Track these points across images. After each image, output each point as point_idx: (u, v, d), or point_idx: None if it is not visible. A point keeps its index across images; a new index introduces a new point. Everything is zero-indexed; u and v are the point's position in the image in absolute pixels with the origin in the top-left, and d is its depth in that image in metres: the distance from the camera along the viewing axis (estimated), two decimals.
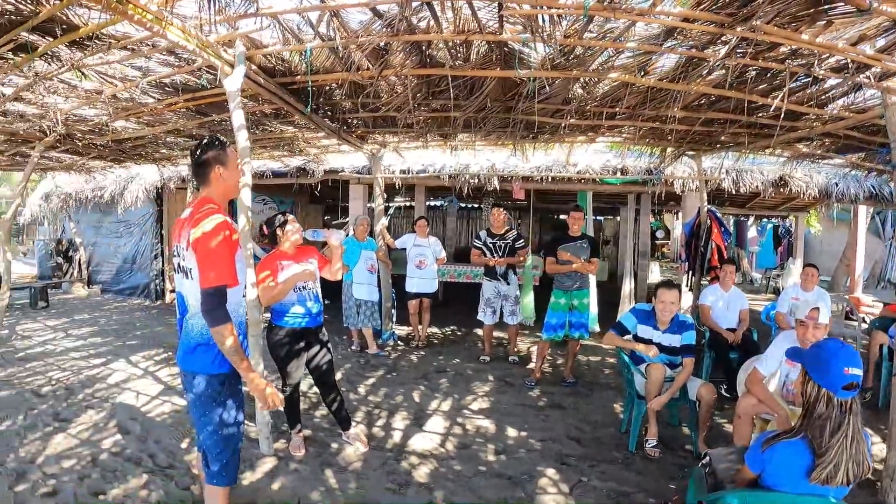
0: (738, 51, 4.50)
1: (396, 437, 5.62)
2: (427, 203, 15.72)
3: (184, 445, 5.30)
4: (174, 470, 4.80)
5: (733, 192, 10.14)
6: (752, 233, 17.72)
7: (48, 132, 8.12)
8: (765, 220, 19.48)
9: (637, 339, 5.61)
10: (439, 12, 4.23)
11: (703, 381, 5.43)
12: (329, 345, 5.30)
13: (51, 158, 10.64)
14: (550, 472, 4.94)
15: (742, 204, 15.05)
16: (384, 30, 4.50)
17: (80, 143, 9.06)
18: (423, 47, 4.95)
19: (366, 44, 4.65)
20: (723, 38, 4.39)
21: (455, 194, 14.23)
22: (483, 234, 8.33)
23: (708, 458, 3.76)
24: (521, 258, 8.20)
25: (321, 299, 5.18)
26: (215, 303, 2.89)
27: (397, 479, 4.72)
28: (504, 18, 4.22)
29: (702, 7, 3.93)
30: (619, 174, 10.08)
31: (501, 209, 8.27)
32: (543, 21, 4.22)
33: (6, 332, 9.93)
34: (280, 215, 5.14)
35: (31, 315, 12.29)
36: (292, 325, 5.00)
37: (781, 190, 10.43)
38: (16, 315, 12.09)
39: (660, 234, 23.28)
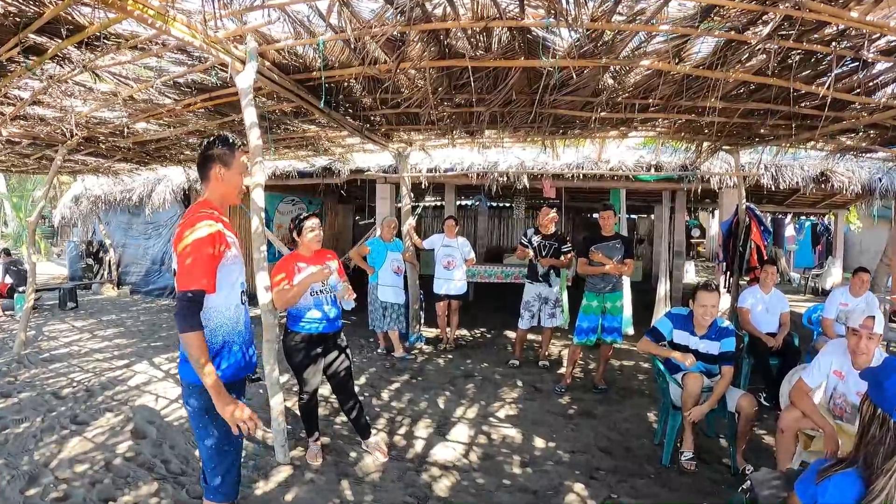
0: (780, 32, 4.21)
1: (418, 446, 5.41)
2: (457, 202, 15.54)
3: (198, 452, 5.13)
4: (186, 477, 4.68)
5: (772, 188, 9.78)
6: (789, 231, 17.28)
7: (70, 135, 8.08)
8: (803, 217, 19.02)
9: (673, 345, 5.29)
10: None
11: (743, 391, 5.11)
12: (348, 350, 5.09)
13: (76, 161, 10.71)
14: (578, 486, 4.69)
15: (780, 201, 14.66)
16: (398, 18, 4.29)
17: (102, 146, 9.06)
18: (441, 37, 4.73)
19: (379, 34, 4.44)
20: (764, 19, 4.13)
21: (484, 193, 14.04)
22: (531, 232, 8.07)
23: (749, 483, 3.49)
24: (566, 261, 7.90)
25: (339, 303, 4.94)
26: (186, 308, 2.71)
27: (416, 493, 4.52)
28: (525, 2, 3.98)
29: None
30: (653, 171, 9.77)
31: (552, 209, 8.00)
32: (567, 3, 3.96)
33: (33, 333, 9.99)
34: (303, 215, 4.92)
35: (60, 316, 12.36)
36: (309, 330, 4.79)
37: (823, 186, 10.06)
38: (45, 315, 12.20)
39: (695, 232, 22.88)
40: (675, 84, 5.56)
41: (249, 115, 4.60)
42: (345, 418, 5.64)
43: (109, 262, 16.09)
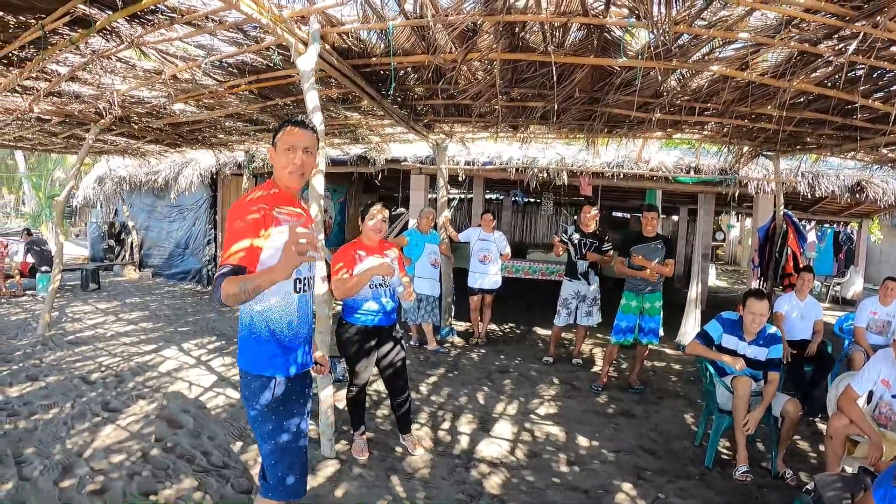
0: (850, 46, 4.15)
1: (463, 442, 5.35)
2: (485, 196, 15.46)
3: (240, 444, 5.08)
4: (230, 470, 4.57)
5: (808, 195, 9.71)
6: (810, 237, 17.24)
7: (104, 114, 8.00)
8: (825, 225, 18.95)
9: (720, 349, 5.28)
10: None
11: (788, 396, 5.06)
12: (403, 342, 5.00)
13: (105, 141, 10.65)
14: (627, 486, 4.64)
15: (805, 208, 14.57)
16: (477, 8, 4.19)
17: (135, 126, 8.98)
18: (517, 29, 4.64)
19: (456, 23, 4.34)
20: (839, 34, 4.09)
21: (521, 188, 13.97)
22: (570, 229, 8.00)
23: (813, 484, 3.46)
24: (609, 259, 7.80)
25: (397, 296, 4.84)
26: (218, 282, 2.45)
27: (468, 490, 4.45)
28: (612, 0, 3.90)
29: None
30: (692, 173, 9.67)
31: (594, 207, 7.91)
32: (657, 5, 3.89)
33: (56, 314, 9.90)
34: (370, 202, 4.82)
35: (82, 297, 12.35)
36: (364, 322, 4.69)
37: (857, 195, 9.97)
38: (67, 296, 12.17)
39: (719, 235, 22.81)
40: (738, 90, 5.51)
41: (311, 99, 4.50)
42: (386, 412, 5.59)
43: (132, 244, 16.08)
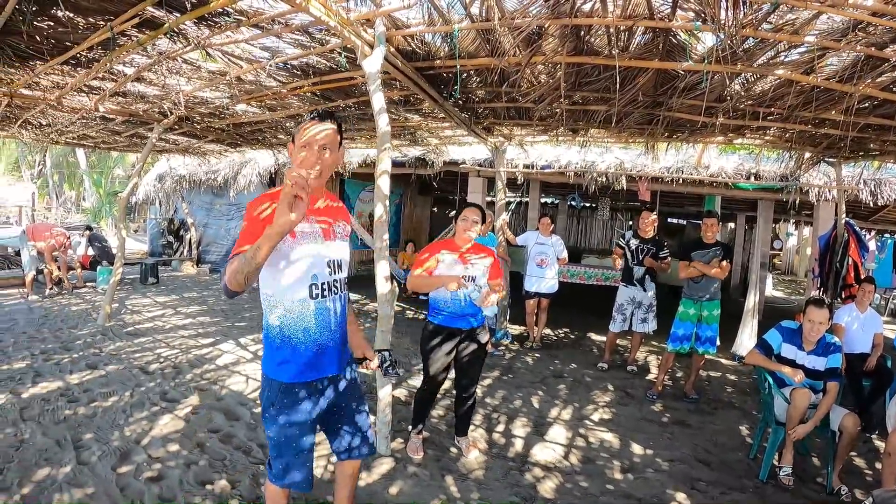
0: None
1: (518, 445, 5.34)
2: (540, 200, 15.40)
3: None
4: None
5: (870, 204, 9.48)
6: (870, 247, 16.79)
7: (168, 114, 8.17)
8: (886, 235, 18.45)
9: (779, 358, 5.20)
10: None
11: (847, 410, 4.94)
12: (487, 347, 4.92)
13: (167, 140, 10.87)
14: (681, 496, 4.58)
15: (865, 217, 14.21)
16: (543, 11, 4.19)
17: (198, 126, 9.16)
18: (582, 33, 4.63)
19: (522, 26, 4.36)
20: None
21: (580, 192, 13.90)
22: (628, 234, 7.99)
23: (871, 500, 3.38)
24: (665, 266, 7.73)
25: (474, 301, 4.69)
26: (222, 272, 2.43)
27: (521, 493, 4.44)
28: (678, 4, 3.87)
29: (895, 2, 3.56)
30: (752, 179, 9.52)
31: (653, 213, 7.85)
32: (726, 8, 3.85)
33: (116, 306, 10.13)
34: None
35: (141, 290, 12.66)
36: (443, 322, 4.70)
37: None
38: (126, 290, 12.46)
39: (777, 244, 22.42)
40: (802, 95, 5.42)
41: (378, 100, 4.56)
42: (442, 412, 5.61)
43: (190, 240, 16.44)
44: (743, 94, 5.63)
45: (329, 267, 2.82)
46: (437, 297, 4.68)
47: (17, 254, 13.27)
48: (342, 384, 3.03)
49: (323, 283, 2.80)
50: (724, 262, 6.72)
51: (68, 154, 30.91)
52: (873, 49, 4.27)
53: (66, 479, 4.15)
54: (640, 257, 7.68)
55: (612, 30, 4.48)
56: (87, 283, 12.77)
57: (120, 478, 4.24)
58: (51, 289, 11.57)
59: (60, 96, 7.39)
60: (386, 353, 3.40)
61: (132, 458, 4.56)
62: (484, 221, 4.79)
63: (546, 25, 4.43)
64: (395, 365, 3.43)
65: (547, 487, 4.57)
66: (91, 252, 13.00)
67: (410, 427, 5.10)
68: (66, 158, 31.89)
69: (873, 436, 6.13)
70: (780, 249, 24.67)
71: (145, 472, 4.35)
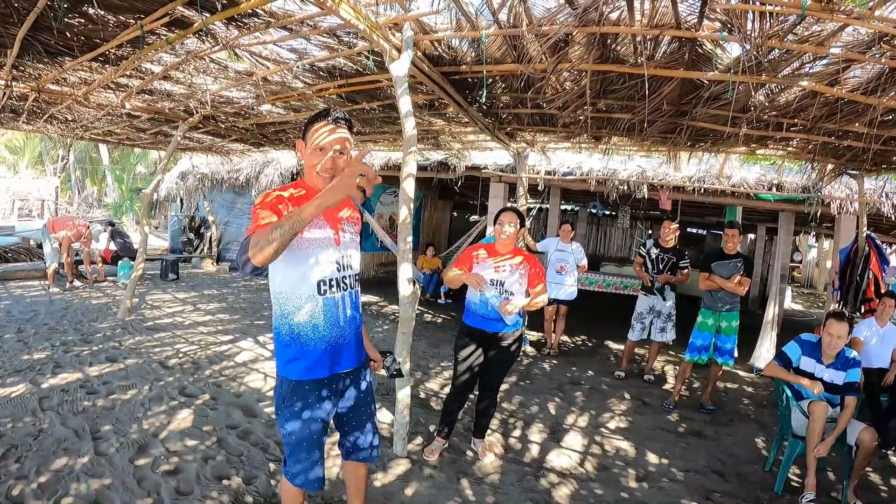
0: None
1: (534, 450, 5.35)
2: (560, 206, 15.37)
3: None
4: None
5: (893, 217, 9.40)
6: (892, 261, 16.62)
7: (193, 112, 8.23)
8: None
9: (798, 371, 5.18)
10: (637, 4, 3.92)
11: (865, 425, 4.92)
12: (515, 352, 4.90)
13: (191, 139, 10.94)
14: None
15: (886, 230, 14.08)
16: (571, 19, 4.21)
17: (222, 126, 9.22)
18: (608, 41, 4.65)
19: (549, 33, 4.38)
20: None
21: (601, 200, 13.89)
22: (649, 243, 7.98)
23: None
24: (683, 278, 7.73)
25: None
26: (243, 246, 2.39)
27: (536, 498, 4.45)
28: (705, 14, 3.88)
29: None
30: (774, 190, 9.48)
31: (674, 222, 7.85)
32: (752, 19, 3.86)
33: (136, 301, 10.21)
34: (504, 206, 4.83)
35: (161, 286, 12.76)
36: (471, 323, 4.76)
37: None
38: (146, 285, 12.55)
39: (796, 256, 22.26)
40: (826, 106, 5.40)
41: (405, 104, 4.60)
42: (459, 415, 5.63)
43: (211, 238, 16.59)
44: (767, 104, 5.60)
45: (338, 263, 2.83)
46: (470, 299, 4.73)
47: (40, 246, 13.41)
48: (356, 383, 3.05)
49: (332, 280, 2.80)
50: (744, 278, 6.70)
51: (91, 150, 31.25)
52: None
53: (83, 470, 4.20)
54: (661, 266, 7.67)
55: (638, 38, 4.49)
56: (108, 278, 12.92)
57: (137, 470, 4.29)
58: (71, 282, 11.69)
59: (87, 92, 7.47)
60: (391, 355, 3.45)
61: (150, 450, 4.60)
62: (523, 225, 4.78)
63: (573, 33, 4.44)
64: (395, 367, 3.47)
65: (562, 494, 4.58)
66: (113, 247, 13.13)
67: (437, 427, 5.15)
68: (89, 154, 32.26)
69: (890, 451, 6.08)
70: (800, 262, 24.49)
71: (162, 465, 4.40)
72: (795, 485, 5.04)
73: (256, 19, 5.02)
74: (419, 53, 5.17)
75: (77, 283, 11.85)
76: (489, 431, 5.42)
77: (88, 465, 4.28)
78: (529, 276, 4.70)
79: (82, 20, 5.19)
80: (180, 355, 7.28)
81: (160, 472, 4.29)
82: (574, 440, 5.70)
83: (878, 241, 8.72)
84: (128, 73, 6.62)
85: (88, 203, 31.13)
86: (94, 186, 33.22)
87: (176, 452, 4.61)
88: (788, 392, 5.17)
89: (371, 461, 3.22)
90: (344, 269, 2.86)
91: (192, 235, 17.17)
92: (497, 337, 4.73)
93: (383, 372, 3.38)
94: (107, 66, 6.39)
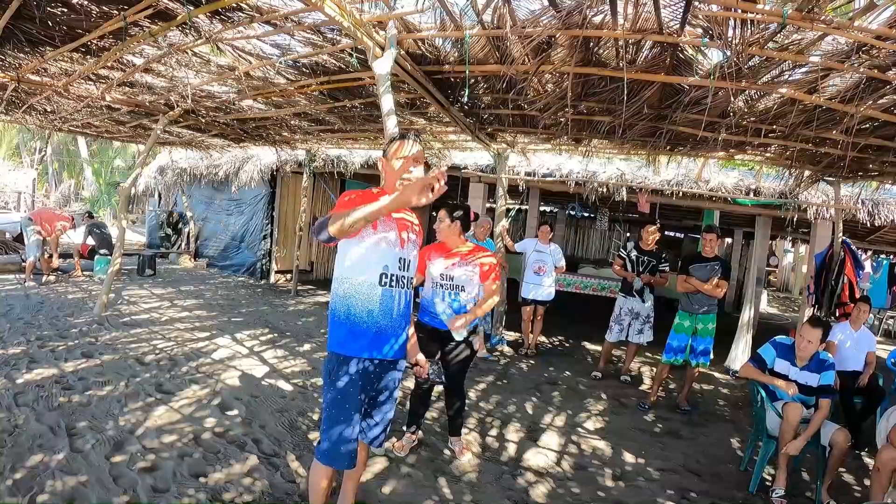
0: None
1: (511, 449, 5.38)
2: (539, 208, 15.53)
3: (292, 433, 5.18)
4: (279, 459, 4.65)
5: (868, 224, 9.53)
6: (865, 268, 16.89)
7: (174, 106, 8.18)
8: (881, 256, 18.54)
9: (772, 373, 5.26)
10: (620, 8, 3.95)
11: (838, 426, 5.01)
12: (470, 346, 4.90)
13: (171, 133, 10.86)
14: None
15: (862, 237, 14.26)
16: (555, 22, 4.24)
17: (203, 120, 9.16)
18: (591, 44, 4.68)
19: (533, 35, 4.40)
20: None
21: (580, 202, 13.96)
22: (630, 245, 8.05)
23: None
24: (662, 280, 7.81)
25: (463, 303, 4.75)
26: (323, 220, 2.90)
27: (514, 497, 4.48)
28: (688, 20, 3.92)
29: None
30: (751, 195, 9.58)
31: (656, 226, 7.91)
32: (734, 26, 3.91)
33: (113, 296, 10.10)
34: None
35: (138, 281, 12.68)
36: (426, 322, 4.80)
37: None
38: (123, 280, 12.46)
39: (772, 260, 22.48)
40: (805, 113, 5.48)
41: (387, 102, 4.61)
42: (436, 414, 5.64)
43: (189, 233, 16.47)
44: (746, 110, 5.68)
45: (399, 262, 3.18)
46: (423, 297, 4.80)
47: (16, 239, 13.25)
48: (392, 376, 3.33)
49: (392, 275, 3.15)
50: (722, 281, 6.78)
51: (69, 142, 30.89)
52: (876, 71, 4.32)
53: (59, 467, 4.15)
54: (641, 268, 7.73)
55: (620, 42, 4.53)
56: (85, 273, 12.78)
57: (113, 467, 4.24)
58: (48, 275, 11.55)
59: (68, 83, 7.40)
60: (435, 362, 3.66)
61: (126, 447, 4.56)
62: (458, 221, 4.73)
63: (557, 36, 4.48)
64: (440, 374, 3.70)
65: (539, 492, 4.61)
66: (90, 241, 12.95)
67: (406, 425, 5.14)
68: (67, 146, 31.87)
69: (863, 452, 6.20)
70: (776, 266, 24.74)
71: (139, 462, 4.36)
72: (769, 484, 5.08)
73: (240, 13, 5.01)
74: (403, 52, 5.18)
75: (52, 277, 11.71)
76: (466, 430, 5.45)
77: (64, 462, 4.23)
78: (481, 267, 4.71)
79: (65, 10, 5.15)
80: (157, 352, 7.21)
81: (136, 469, 4.25)
82: (551, 440, 5.74)
83: (853, 247, 8.85)
84: (109, 64, 6.56)
85: (66, 196, 30.77)
86: (72, 179, 32.84)
87: (152, 449, 4.57)
88: (763, 393, 5.24)
89: (379, 445, 3.46)
90: (404, 269, 3.22)
91: (169, 231, 17.02)
92: (451, 333, 4.75)
93: (428, 375, 3.60)
94: (88, 57, 6.35)
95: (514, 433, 5.79)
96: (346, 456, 3.13)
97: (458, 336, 4.67)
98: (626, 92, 5.16)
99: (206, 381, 6.30)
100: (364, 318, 3.08)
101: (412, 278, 3.31)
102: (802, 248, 22.89)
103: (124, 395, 5.66)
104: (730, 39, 4.04)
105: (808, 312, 9.04)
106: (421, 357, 3.64)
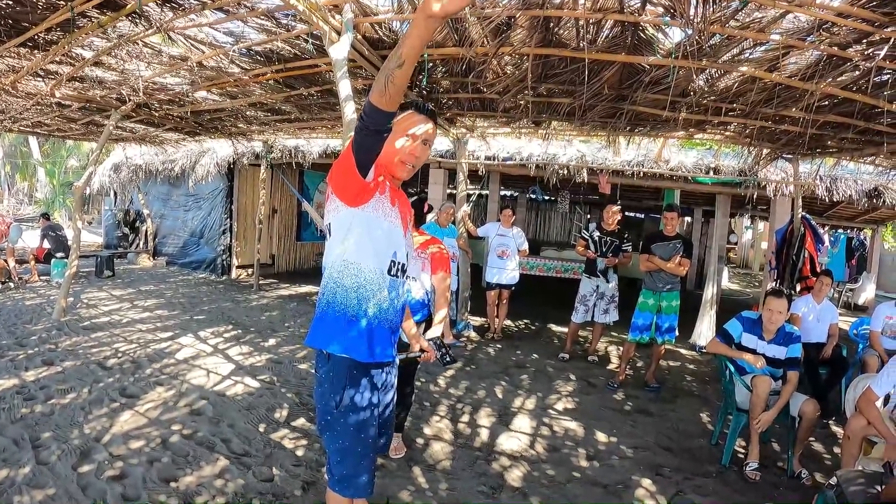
0: (878, 52, 4.18)
1: (483, 435, 5.38)
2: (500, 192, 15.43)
3: (261, 430, 5.11)
4: (250, 458, 4.57)
5: (826, 200, 9.69)
6: (826, 240, 17.28)
7: (126, 100, 8.00)
8: (839, 230, 18.91)
9: (740, 347, 5.30)
10: None
11: (807, 396, 5.07)
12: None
13: (124, 128, 10.64)
14: (646, 482, 4.68)
15: (821, 212, 14.52)
16: (514, 2, 4.20)
17: (156, 114, 8.98)
18: (551, 25, 4.64)
19: (492, 16, 4.36)
20: (868, 39, 4.13)
21: (540, 185, 13.98)
22: (592, 226, 8.11)
23: (836, 480, 3.51)
24: (626, 260, 7.88)
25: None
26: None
27: (489, 482, 4.47)
28: None
29: (859, 3, 3.68)
30: (711, 173, 9.68)
31: (617, 206, 7.98)
32: (695, 4, 3.91)
33: (71, 300, 9.89)
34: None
35: (97, 283, 12.41)
36: None
37: (874, 201, 9.92)
38: (81, 283, 12.18)
39: (732, 238, 22.82)
40: (765, 92, 5.52)
41: (344, 88, 4.51)
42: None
43: (146, 232, 16.17)
44: (706, 89, 5.71)
45: (407, 250, 2.77)
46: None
47: None
48: (393, 373, 2.88)
49: (400, 264, 2.71)
50: (684, 259, 6.85)
51: (21, 144, 30.20)
52: (836, 49, 4.36)
53: (25, 481, 4.02)
54: (604, 249, 7.77)
55: (581, 22, 4.51)
56: (42, 277, 12.46)
57: (81, 477, 4.13)
58: (4, 283, 11.31)
59: (15, 81, 7.17)
60: (441, 343, 3.33)
61: (93, 456, 4.44)
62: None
63: (516, 16, 4.43)
64: (450, 353, 3.32)
65: (514, 476, 4.61)
66: (46, 245, 12.65)
67: None
68: (19, 148, 31.12)
69: (830, 421, 6.30)
70: (736, 243, 25.14)
71: (107, 470, 4.24)
72: (741, 456, 5.17)
73: (192, 0, 4.89)
74: (359, 36, 5.09)
75: (10, 283, 11.45)
76: (437, 418, 5.46)
77: (30, 475, 4.10)
78: (432, 260, 4.54)
79: (9, 2, 4.99)
80: (119, 355, 7.06)
81: (105, 477, 4.14)
82: (523, 423, 5.75)
83: (813, 222, 8.98)
84: (58, 59, 6.37)
85: (19, 200, 30.09)
86: (25, 182, 32.11)
87: (120, 456, 4.46)
88: (732, 367, 5.29)
89: (382, 451, 3.11)
90: (407, 259, 2.77)
91: (126, 230, 16.71)
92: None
93: (437, 360, 3.28)
94: (35, 51, 6.16)
95: (485, 418, 5.78)
96: (368, 484, 2.70)
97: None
98: (586, 73, 5.15)
99: (171, 383, 6.18)
100: (377, 313, 2.60)
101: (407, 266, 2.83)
102: (761, 225, 23.26)
103: (88, 401, 5.52)
104: (691, 18, 4.02)
105: (771, 287, 9.18)
106: (424, 342, 3.28)
